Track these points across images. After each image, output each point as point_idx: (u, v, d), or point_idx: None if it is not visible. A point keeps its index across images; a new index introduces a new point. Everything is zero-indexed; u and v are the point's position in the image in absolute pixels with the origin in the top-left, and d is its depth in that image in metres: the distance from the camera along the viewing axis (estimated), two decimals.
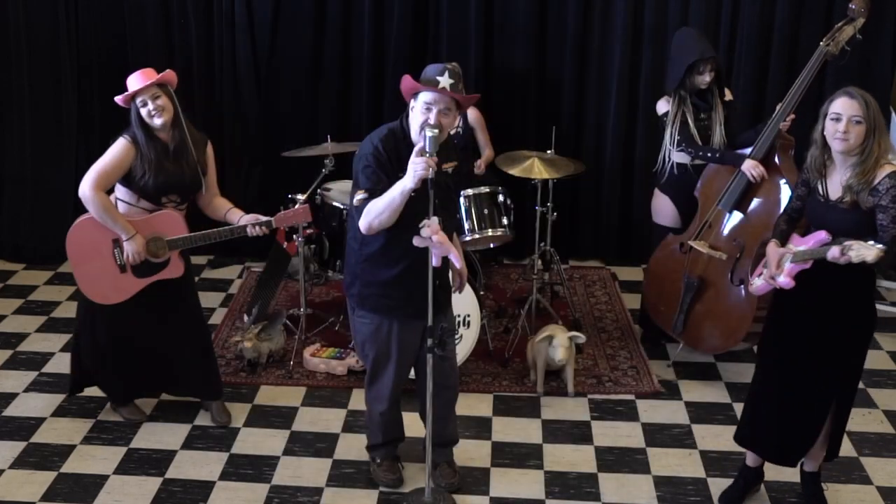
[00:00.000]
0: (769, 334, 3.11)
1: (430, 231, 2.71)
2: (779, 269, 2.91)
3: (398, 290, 2.98)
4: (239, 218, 3.42)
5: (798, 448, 3.05)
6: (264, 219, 3.37)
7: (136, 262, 3.33)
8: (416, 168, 2.71)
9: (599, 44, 5.19)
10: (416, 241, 2.75)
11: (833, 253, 2.68)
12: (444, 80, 2.81)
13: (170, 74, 3.36)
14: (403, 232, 2.81)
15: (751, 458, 3.19)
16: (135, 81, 3.29)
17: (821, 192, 2.91)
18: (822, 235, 2.83)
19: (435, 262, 2.78)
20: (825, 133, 2.82)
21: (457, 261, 2.79)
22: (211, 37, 5.28)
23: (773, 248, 2.99)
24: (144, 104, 3.26)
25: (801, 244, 2.91)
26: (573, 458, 3.51)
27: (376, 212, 2.83)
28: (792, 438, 3.04)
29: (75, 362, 3.72)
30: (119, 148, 3.31)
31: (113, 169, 3.29)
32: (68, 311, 4.79)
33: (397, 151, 2.89)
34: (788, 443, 3.05)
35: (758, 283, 3.08)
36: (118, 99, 3.36)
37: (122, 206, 3.40)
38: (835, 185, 2.87)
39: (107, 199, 3.31)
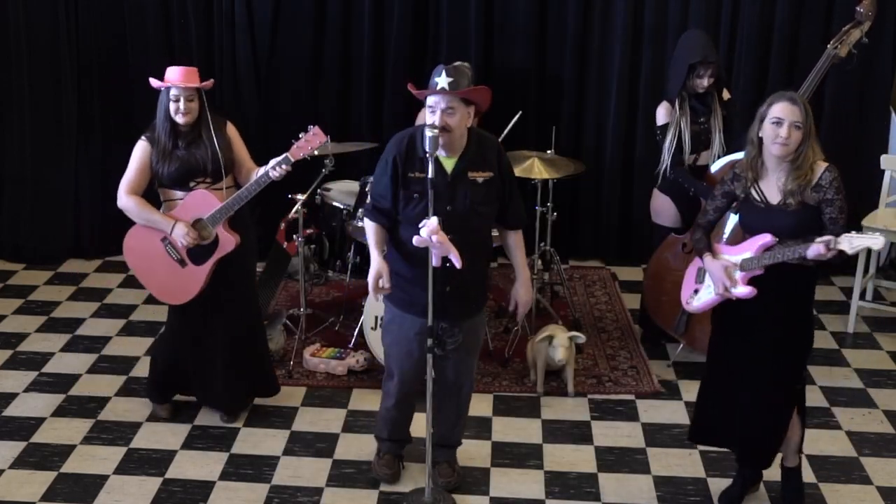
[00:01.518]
0: (716, 338, 3.12)
1: (429, 231, 2.71)
2: (732, 280, 2.90)
3: (413, 287, 2.99)
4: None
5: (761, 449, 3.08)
6: (280, 157, 3.30)
7: (191, 243, 3.32)
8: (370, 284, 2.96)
9: (599, 44, 5.20)
10: (415, 241, 2.76)
11: (817, 250, 2.69)
12: (442, 80, 2.83)
13: (209, 83, 3.41)
14: (414, 231, 2.82)
15: None
16: (177, 76, 3.32)
17: (758, 197, 2.90)
18: (767, 239, 2.83)
19: (435, 262, 2.78)
20: (762, 136, 2.83)
21: (457, 261, 2.78)
22: (211, 37, 5.28)
23: (715, 263, 2.96)
24: (177, 100, 3.30)
25: (739, 251, 2.92)
26: (573, 458, 3.51)
27: (368, 233, 3.05)
28: (754, 441, 3.08)
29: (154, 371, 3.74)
30: (137, 150, 3.39)
31: (137, 171, 3.37)
32: (68, 311, 4.79)
33: (408, 152, 2.94)
34: (752, 445, 3.09)
35: (704, 300, 3.05)
36: (154, 82, 3.38)
37: (164, 208, 3.45)
38: (771, 188, 2.88)
39: (141, 200, 3.37)
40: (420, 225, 2.76)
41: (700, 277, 3.12)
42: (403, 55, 5.16)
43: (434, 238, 2.71)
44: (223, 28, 5.23)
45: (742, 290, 2.88)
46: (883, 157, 4.61)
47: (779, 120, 2.77)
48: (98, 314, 4.76)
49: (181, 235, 3.32)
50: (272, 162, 3.31)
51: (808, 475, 3.34)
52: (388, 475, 3.32)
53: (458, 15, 5.14)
